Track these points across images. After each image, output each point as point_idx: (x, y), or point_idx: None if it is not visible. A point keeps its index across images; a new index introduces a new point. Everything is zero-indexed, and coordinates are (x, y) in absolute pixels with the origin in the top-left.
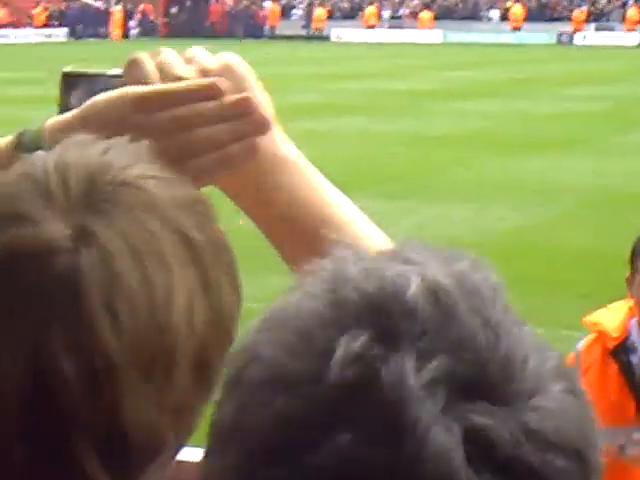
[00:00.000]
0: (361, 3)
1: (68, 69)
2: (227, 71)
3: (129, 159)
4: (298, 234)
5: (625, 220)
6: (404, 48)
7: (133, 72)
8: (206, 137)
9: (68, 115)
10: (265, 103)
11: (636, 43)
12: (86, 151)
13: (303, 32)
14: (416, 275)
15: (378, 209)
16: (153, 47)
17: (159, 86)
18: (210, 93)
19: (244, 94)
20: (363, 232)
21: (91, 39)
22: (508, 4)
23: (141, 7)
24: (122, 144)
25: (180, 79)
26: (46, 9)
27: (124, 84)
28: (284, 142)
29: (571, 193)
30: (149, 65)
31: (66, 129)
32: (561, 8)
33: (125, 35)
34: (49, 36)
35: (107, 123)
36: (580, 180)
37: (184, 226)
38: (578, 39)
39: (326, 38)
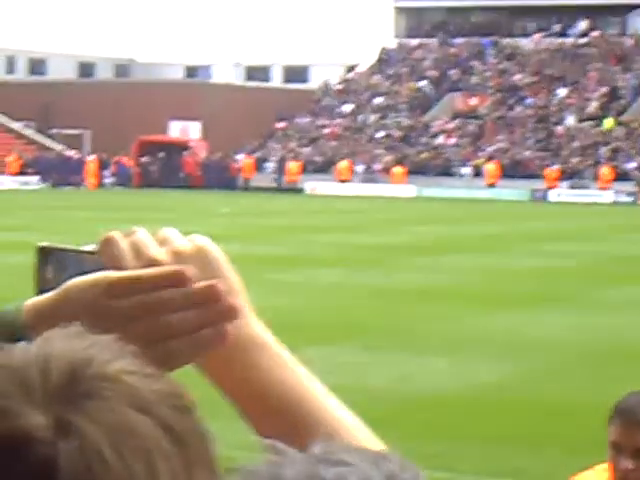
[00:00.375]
0: (334, 157)
1: (44, 243)
2: (199, 254)
3: (112, 354)
4: (272, 413)
5: (602, 374)
6: (377, 202)
7: (107, 250)
8: (175, 323)
9: (46, 297)
10: (236, 286)
11: (610, 201)
12: (70, 344)
13: (277, 184)
14: (353, 477)
15: (357, 361)
16: (127, 196)
17: (130, 272)
18: (178, 280)
19: (211, 281)
20: (335, 412)
21: (66, 187)
22: (479, 162)
23: (116, 157)
24: (107, 340)
25: (154, 261)
26: (20, 157)
27: (98, 261)
28: (257, 324)
29: (548, 347)
30: (123, 244)
31: (44, 312)
32: (534, 166)
33: (100, 184)
34: (25, 183)
35: (79, 308)
36: (557, 335)
37: (166, 418)
38: (552, 196)
39: (300, 190)
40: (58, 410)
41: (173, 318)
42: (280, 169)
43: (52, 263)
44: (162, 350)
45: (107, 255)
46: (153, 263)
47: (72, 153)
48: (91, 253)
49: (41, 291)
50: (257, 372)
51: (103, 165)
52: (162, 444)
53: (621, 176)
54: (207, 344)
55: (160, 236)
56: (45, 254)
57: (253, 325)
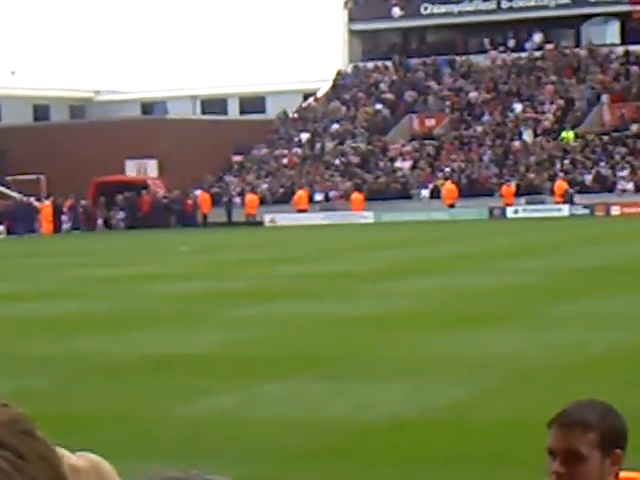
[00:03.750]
0: (292, 187)
1: None
2: (94, 469)
3: None
4: None
5: (561, 390)
6: (337, 230)
7: None
8: None
9: None
10: None
11: (566, 214)
12: None
13: (236, 218)
14: None
15: (315, 391)
16: (84, 240)
17: None
18: None
19: None
20: None
21: (26, 235)
22: (438, 183)
23: (71, 201)
24: None
25: None
26: None
27: None
28: None
29: (507, 365)
30: None
31: None
32: (490, 184)
33: (57, 229)
34: None
35: None
36: (515, 352)
37: (9, 443)
38: (510, 213)
39: (259, 223)
40: None
41: None
42: (229, 203)
43: None
44: None
45: None
46: None
47: (31, 199)
48: None
49: None
50: None
51: (60, 210)
52: (4, 466)
53: (578, 189)
54: None
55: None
56: None
57: None
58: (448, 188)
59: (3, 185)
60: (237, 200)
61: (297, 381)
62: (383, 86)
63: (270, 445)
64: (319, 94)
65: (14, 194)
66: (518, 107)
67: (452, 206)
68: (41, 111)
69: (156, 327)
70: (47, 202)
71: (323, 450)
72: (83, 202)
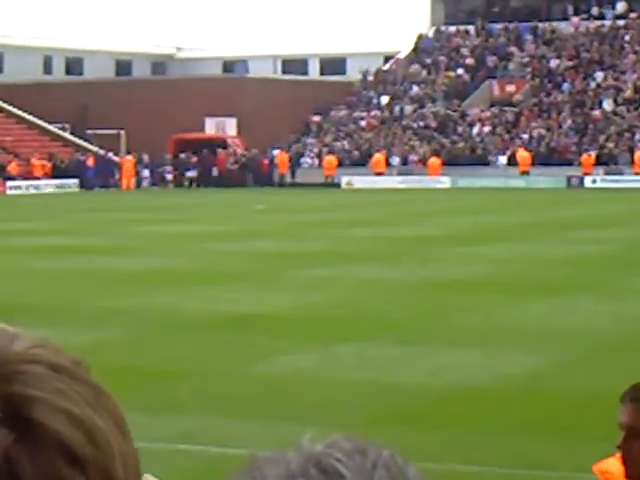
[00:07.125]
0: (370, 150)
1: None
2: None
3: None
4: None
5: (636, 363)
6: (413, 194)
7: None
8: None
9: None
10: None
11: None
12: None
13: (313, 179)
14: None
15: (390, 355)
16: (162, 196)
17: None
18: None
19: None
20: None
21: (102, 189)
22: (515, 150)
23: (152, 157)
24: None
25: None
26: (50, 160)
27: None
28: None
29: (583, 336)
30: None
31: None
32: (571, 152)
33: (136, 185)
34: (61, 187)
35: None
36: (592, 324)
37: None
38: (588, 182)
39: (336, 185)
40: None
41: None
42: (295, 164)
43: None
44: None
45: None
46: None
47: (110, 154)
48: None
49: None
50: None
51: (141, 165)
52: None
53: None
54: None
55: None
56: None
57: None
58: (522, 155)
59: (84, 139)
60: (315, 161)
61: (371, 345)
62: (464, 51)
63: (343, 407)
64: (400, 57)
65: (94, 148)
66: (599, 76)
67: (526, 173)
68: (123, 66)
69: (231, 285)
70: (129, 157)
71: (394, 415)
72: (162, 158)
